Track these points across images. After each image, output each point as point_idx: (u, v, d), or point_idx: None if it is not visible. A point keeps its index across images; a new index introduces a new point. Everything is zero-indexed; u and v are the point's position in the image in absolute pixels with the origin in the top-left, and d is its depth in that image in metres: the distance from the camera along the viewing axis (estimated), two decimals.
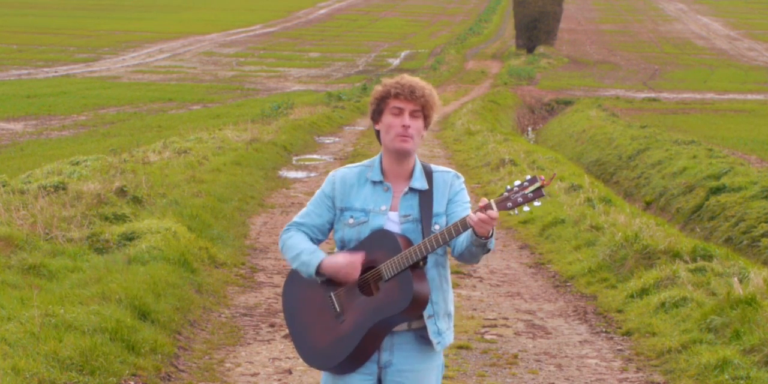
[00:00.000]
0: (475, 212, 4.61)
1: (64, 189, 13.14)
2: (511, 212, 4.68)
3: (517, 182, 4.67)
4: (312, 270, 4.79)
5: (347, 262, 4.74)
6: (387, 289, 4.71)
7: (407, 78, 4.81)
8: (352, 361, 4.77)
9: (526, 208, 4.65)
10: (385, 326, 4.74)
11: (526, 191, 4.64)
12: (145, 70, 57.38)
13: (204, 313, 9.82)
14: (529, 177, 4.67)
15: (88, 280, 9.16)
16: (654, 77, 61.51)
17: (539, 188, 4.63)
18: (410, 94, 4.76)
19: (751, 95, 50.72)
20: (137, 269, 9.66)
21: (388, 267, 4.70)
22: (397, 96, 4.77)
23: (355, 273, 4.73)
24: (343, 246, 4.89)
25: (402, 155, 4.81)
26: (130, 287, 8.91)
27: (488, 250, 4.71)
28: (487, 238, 4.63)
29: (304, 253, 4.83)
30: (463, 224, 4.63)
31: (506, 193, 4.66)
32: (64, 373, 6.99)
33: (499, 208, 4.63)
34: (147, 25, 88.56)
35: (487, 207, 4.62)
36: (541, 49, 74.46)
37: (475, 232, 4.63)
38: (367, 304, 4.74)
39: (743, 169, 20.10)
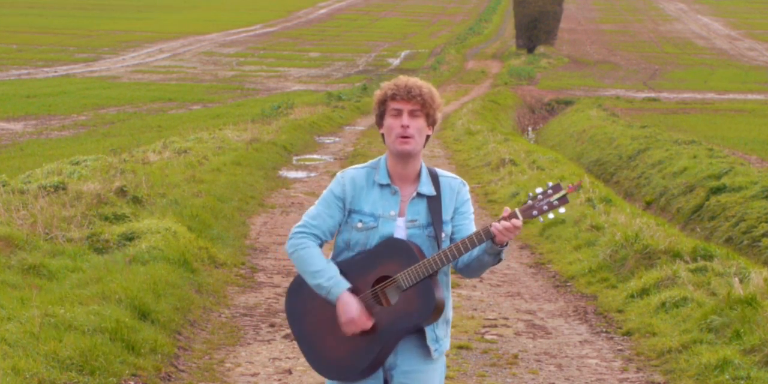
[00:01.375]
0: (499, 221, 4.63)
1: (64, 189, 13.13)
2: (538, 219, 4.71)
3: (539, 189, 4.70)
4: (333, 298, 4.74)
5: (359, 318, 4.71)
6: (406, 299, 4.70)
7: (403, 79, 4.82)
8: (369, 370, 4.77)
9: (550, 216, 4.67)
10: (402, 334, 4.74)
11: (551, 199, 4.66)
12: (145, 70, 57.37)
13: (204, 313, 9.81)
14: (551, 184, 4.69)
15: (88, 280, 9.16)
16: (654, 77, 61.50)
17: (564, 195, 4.64)
18: (407, 94, 4.76)
19: (751, 95, 50.70)
20: (137, 269, 9.65)
21: (406, 276, 4.69)
22: (394, 97, 4.78)
23: (355, 330, 4.71)
24: (346, 248, 4.85)
25: (405, 157, 4.79)
26: (130, 287, 8.90)
27: (499, 260, 4.73)
28: (503, 246, 4.66)
29: (324, 277, 4.76)
30: (486, 233, 4.65)
31: (530, 202, 4.69)
32: (64, 373, 6.98)
33: (525, 217, 4.66)
34: (147, 25, 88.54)
35: (512, 215, 4.64)
36: (541, 48, 74.44)
37: (492, 240, 4.65)
38: (385, 313, 4.72)
39: (743, 169, 20.09)
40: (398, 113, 4.78)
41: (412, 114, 4.77)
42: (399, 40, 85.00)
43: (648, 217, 15.27)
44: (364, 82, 49.88)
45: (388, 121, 4.79)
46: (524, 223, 4.72)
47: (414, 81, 4.80)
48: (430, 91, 4.80)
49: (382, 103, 4.82)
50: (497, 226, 4.61)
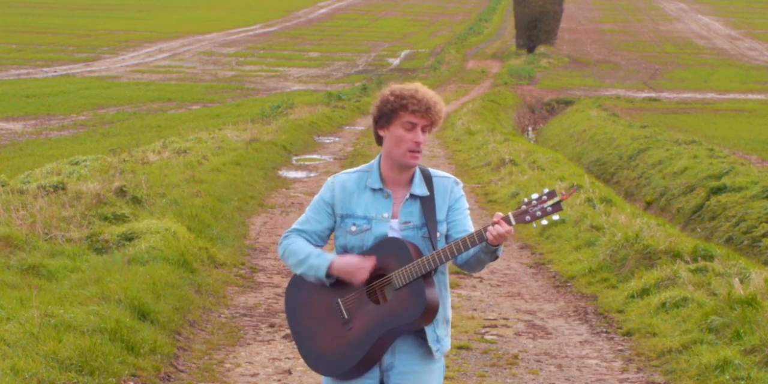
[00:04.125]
0: (492, 225, 4.63)
1: (63, 189, 13.12)
2: (531, 225, 4.72)
3: (535, 195, 4.70)
4: (322, 273, 4.77)
5: (358, 262, 4.72)
6: (399, 298, 4.70)
7: (422, 92, 4.75)
8: (360, 368, 4.77)
9: (544, 222, 4.68)
10: (396, 333, 4.74)
11: (545, 205, 4.67)
12: (145, 70, 57.34)
13: (204, 313, 9.80)
14: (547, 190, 4.69)
15: (87, 281, 9.15)
16: (654, 77, 61.50)
17: (558, 202, 4.65)
18: (426, 111, 4.73)
19: (751, 95, 50.69)
20: (137, 269, 9.65)
21: (399, 275, 4.70)
22: (413, 112, 4.73)
23: (365, 274, 4.71)
24: (345, 252, 4.87)
25: (409, 168, 4.81)
26: (129, 287, 8.89)
27: (496, 258, 4.73)
28: (496, 245, 4.67)
29: (312, 256, 4.81)
30: (480, 236, 4.66)
31: (524, 207, 4.70)
32: (64, 374, 6.98)
33: (517, 222, 4.68)
34: (146, 25, 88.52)
35: (506, 220, 4.66)
36: (541, 48, 74.40)
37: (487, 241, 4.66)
38: (377, 311, 4.73)
39: (744, 169, 20.09)
40: (412, 127, 4.75)
41: (423, 129, 4.77)
42: (399, 39, 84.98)
43: (648, 217, 15.26)
44: (364, 82, 49.85)
45: (400, 132, 4.75)
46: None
47: (431, 96, 4.75)
48: (442, 106, 4.79)
49: (395, 111, 4.75)
50: (491, 230, 4.63)
